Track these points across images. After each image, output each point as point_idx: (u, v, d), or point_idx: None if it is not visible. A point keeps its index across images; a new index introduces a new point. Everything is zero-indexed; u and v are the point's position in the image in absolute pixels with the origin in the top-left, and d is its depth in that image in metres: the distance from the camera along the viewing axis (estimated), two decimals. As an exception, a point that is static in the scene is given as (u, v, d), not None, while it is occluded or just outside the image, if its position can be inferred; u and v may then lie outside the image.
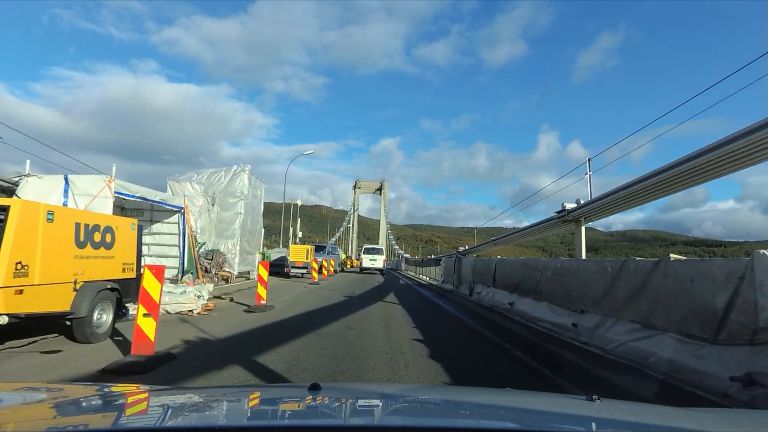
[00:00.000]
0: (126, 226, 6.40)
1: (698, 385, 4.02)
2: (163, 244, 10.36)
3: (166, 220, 10.26)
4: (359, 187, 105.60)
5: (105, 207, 8.43)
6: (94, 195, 8.42)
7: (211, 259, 14.20)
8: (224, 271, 15.60)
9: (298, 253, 21.15)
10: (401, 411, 1.48)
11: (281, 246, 30.67)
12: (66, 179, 8.73)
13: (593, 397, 1.45)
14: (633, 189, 7.32)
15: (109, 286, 5.85)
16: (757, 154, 5.75)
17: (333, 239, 72.23)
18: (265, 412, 1.47)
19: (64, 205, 8.26)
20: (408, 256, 49.51)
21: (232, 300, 10.62)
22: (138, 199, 8.36)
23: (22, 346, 5.34)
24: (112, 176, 8.84)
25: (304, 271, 20.83)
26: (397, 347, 6.09)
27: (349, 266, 43.26)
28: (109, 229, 5.92)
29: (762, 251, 3.57)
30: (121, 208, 10.45)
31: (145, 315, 4.63)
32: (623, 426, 1.29)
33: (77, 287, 5.34)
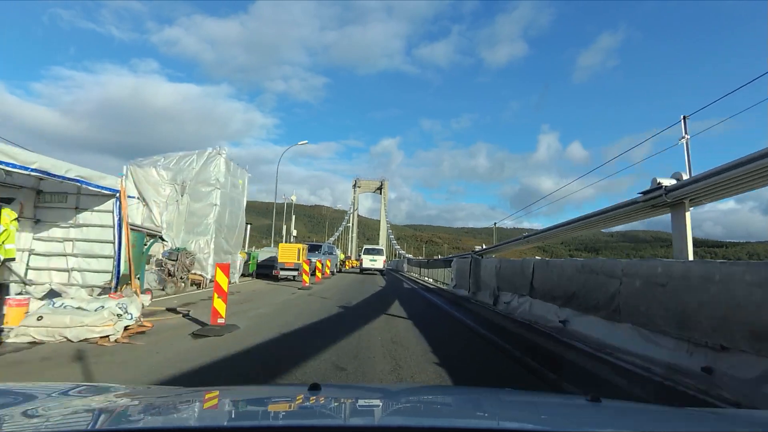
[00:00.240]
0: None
1: None
2: (92, 240, 7.73)
3: (96, 208, 7.64)
4: (359, 186, 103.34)
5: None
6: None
7: (175, 260, 11.58)
8: (195, 274, 12.98)
9: (288, 253, 18.51)
10: (401, 411, 1.46)
11: (273, 245, 28.01)
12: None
13: (593, 397, 1.44)
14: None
15: None
16: None
17: (332, 239, 69.67)
18: (265, 412, 1.46)
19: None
20: (410, 256, 46.93)
21: (187, 315, 8.00)
22: (36, 174, 5.73)
23: None
24: None
25: (296, 273, 18.22)
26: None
27: (348, 267, 42.26)
28: None
29: None
30: (37, 191, 7.82)
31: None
32: (623, 426, 1.30)
33: None
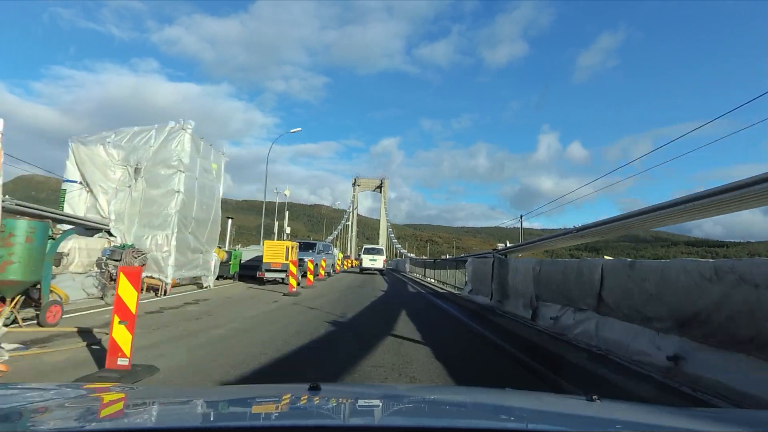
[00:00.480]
0: None
1: None
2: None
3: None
4: (359, 185, 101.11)
5: None
6: None
7: (118, 260, 8.97)
8: (151, 278, 10.37)
9: (274, 252, 15.88)
10: (401, 411, 1.46)
11: (261, 244, 25.34)
12: None
13: (593, 397, 1.43)
14: None
15: None
16: None
17: (330, 237, 67.10)
18: (265, 412, 1.42)
19: None
20: (413, 255, 44.44)
21: (99, 342, 5.39)
22: None
23: None
24: None
25: (284, 275, 15.60)
26: None
27: (348, 266, 41.36)
28: None
29: None
30: None
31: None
32: (623, 426, 1.29)
33: None
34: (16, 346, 4.85)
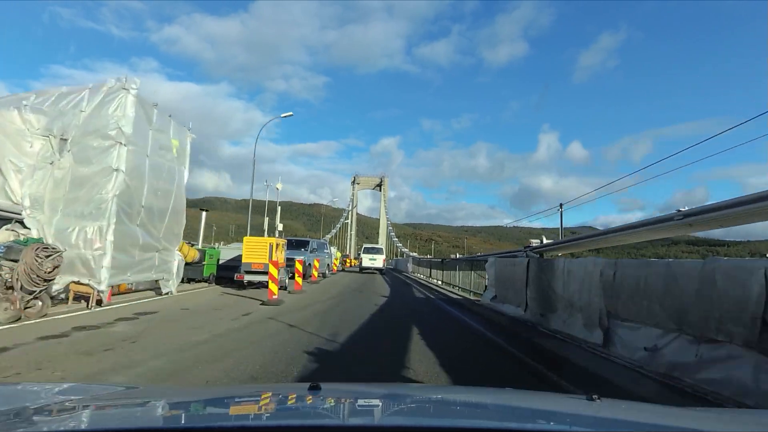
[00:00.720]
0: None
1: None
2: None
3: None
4: (358, 183, 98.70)
5: None
6: None
7: (16, 260, 6.38)
8: (79, 284, 7.79)
9: (256, 250, 13.24)
10: (401, 411, 1.42)
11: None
12: None
13: (593, 396, 1.39)
14: None
15: None
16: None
17: (328, 236, 64.53)
18: (266, 411, 1.42)
19: None
20: (416, 254, 42.00)
21: None
22: None
23: None
24: None
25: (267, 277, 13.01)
26: None
27: (347, 265, 40.60)
28: None
29: None
30: None
31: None
32: (623, 426, 1.24)
33: None
34: None
